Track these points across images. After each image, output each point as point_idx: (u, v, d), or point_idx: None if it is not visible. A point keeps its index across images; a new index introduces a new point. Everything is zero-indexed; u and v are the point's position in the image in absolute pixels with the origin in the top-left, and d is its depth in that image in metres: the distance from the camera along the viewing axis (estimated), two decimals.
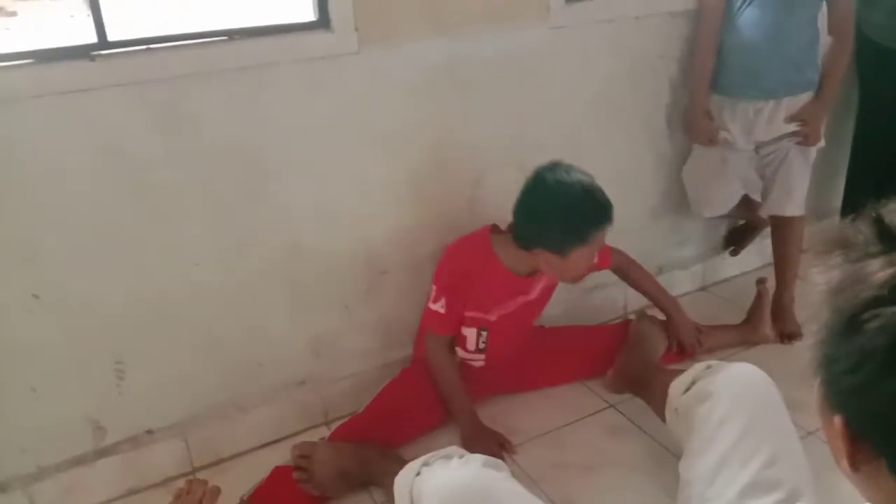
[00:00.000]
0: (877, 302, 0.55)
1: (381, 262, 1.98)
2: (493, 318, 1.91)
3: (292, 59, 1.70)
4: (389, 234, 1.97)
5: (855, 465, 0.60)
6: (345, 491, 1.75)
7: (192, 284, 1.75)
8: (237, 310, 1.83)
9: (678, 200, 2.42)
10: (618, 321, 2.36)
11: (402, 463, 1.52)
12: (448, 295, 1.85)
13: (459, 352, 1.97)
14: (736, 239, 2.63)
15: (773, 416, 1.45)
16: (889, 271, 0.55)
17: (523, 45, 1.98)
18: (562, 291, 2.07)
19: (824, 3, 2.09)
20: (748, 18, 2.05)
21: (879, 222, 0.59)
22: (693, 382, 1.60)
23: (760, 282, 2.30)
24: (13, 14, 1.89)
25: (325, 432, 1.94)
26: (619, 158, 2.28)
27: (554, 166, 1.76)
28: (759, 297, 2.28)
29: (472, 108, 1.96)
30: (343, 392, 2.03)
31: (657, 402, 1.76)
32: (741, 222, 2.60)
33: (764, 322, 2.27)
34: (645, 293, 2.18)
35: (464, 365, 1.98)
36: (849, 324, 0.57)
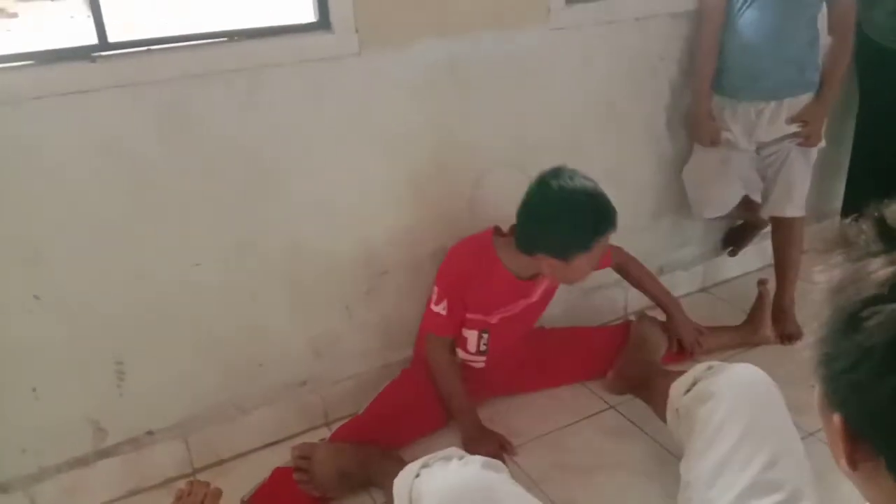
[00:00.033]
0: (877, 300, 0.55)
1: (381, 263, 1.98)
2: (494, 320, 1.91)
3: (293, 60, 1.70)
4: (390, 235, 1.97)
5: (854, 463, 0.60)
6: (345, 492, 1.75)
7: (193, 285, 1.75)
8: (237, 310, 1.83)
9: (678, 201, 2.42)
10: (618, 322, 2.36)
11: (403, 464, 1.52)
12: (450, 297, 1.85)
13: (460, 353, 1.97)
14: (734, 240, 2.63)
15: (775, 417, 1.45)
16: (889, 270, 0.56)
17: (523, 47, 1.98)
18: (562, 291, 2.07)
19: (824, 4, 2.09)
20: (749, 19, 2.05)
21: (881, 222, 0.59)
22: (694, 383, 1.60)
23: (761, 283, 2.30)
24: (14, 15, 1.89)
25: (325, 433, 1.94)
26: (619, 159, 2.28)
27: (558, 171, 1.75)
28: (760, 298, 2.28)
29: (472, 108, 1.97)
30: (343, 393, 2.03)
31: (658, 403, 1.76)
32: (739, 223, 2.60)
33: (764, 323, 2.27)
34: (645, 291, 2.18)
35: (464, 366, 1.98)
36: (849, 322, 0.57)
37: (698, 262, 2.63)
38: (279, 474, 1.75)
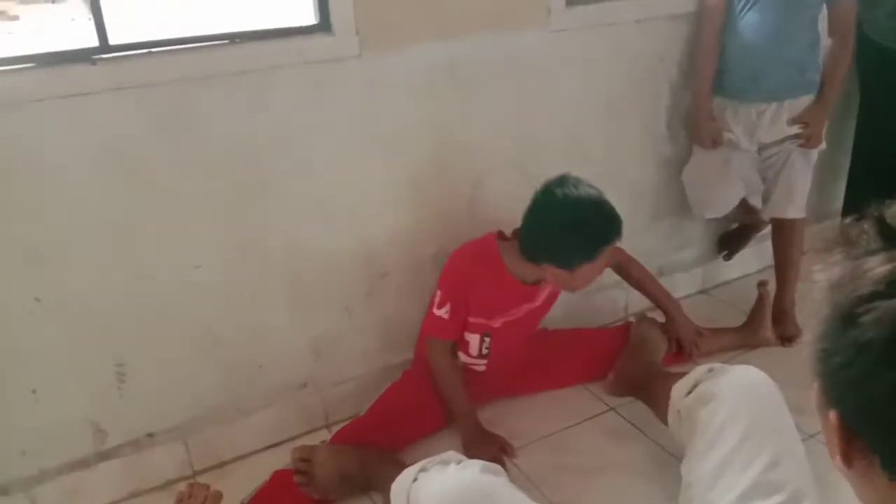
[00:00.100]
0: (874, 297, 0.56)
1: (381, 264, 1.99)
2: (497, 324, 1.90)
3: (293, 62, 1.70)
4: (390, 236, 1.97)
5: (849, 461, 0.61)
6: (345, 494, 1.74)
7: (193, 286, 1.75)
8: (238, 312, 1.83)
9: (678, 203, 2.42)
10: (619, 323, 2.36)
11: (403, 466, 1.52)
12: (453, 301, 1.84)
13: (461, 356, 1.96)
14: (729, 244, 2.63)
15: (776, 418, 1.45)
16: (887, 267, 0.56)
17: (524, 48, 1.98)
18: (563, 293, 2.07)
19: (824, 6, 2.09)
20: (749, 21, 2.05)
21: (881, 221, 0.60)
22: (695, 385, 1.60)
23: (761, 284, 2.29)
24: (15, 18, 1.89)
25: (325, 435, 1.94)
26: (619, 160, 2.28)
27: (562, 180, 1.75)
28: (760, 299, 2.28)
29: (472, 110, 1.97)
30: (344, 395, 2.03)
31: (659, 404, 1.76)
32: (735, 226, 2.60)
33: (765, 325, 2.27)
34: (644, 292, 2.18)
35: (465, 369, 1.97)
36: (846, 318, 0.57)
37: (698, 263, 2.63)
38: (279, 477, 1.75)
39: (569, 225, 1.72)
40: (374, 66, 1.79)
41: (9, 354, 1.61)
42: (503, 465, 1.77)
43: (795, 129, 2.14)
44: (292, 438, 1.97)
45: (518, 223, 1.84)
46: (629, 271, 2.14)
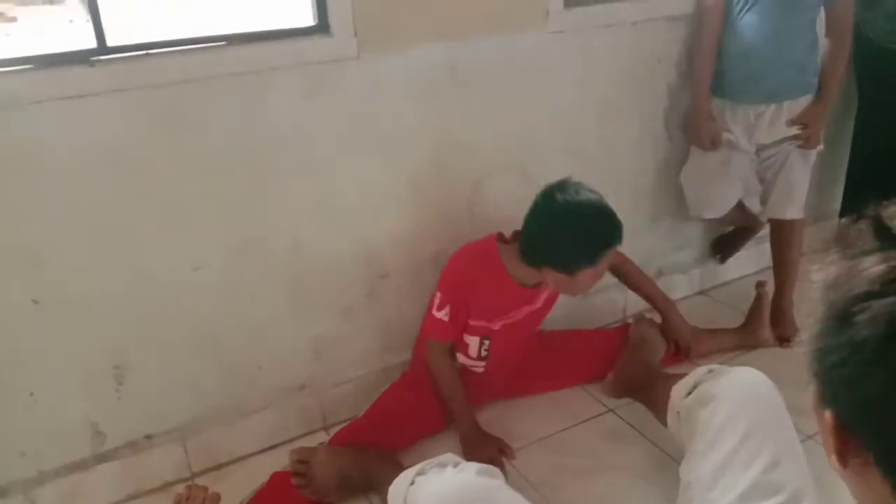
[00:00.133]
0: (868, 296, 0.56)
1: (381, 266, 1.99)
2: (496, 326, 1.90)
3: (292, 63, 1.70)
4: (390, 237, 1.97)
5: (844, 460, 0.61)
6: (344, 496, 1.74)
7: (192, 288, 1.75)
8: (237, 313, 1.83)
9: (676, 204, 2.42)
10: (617, 324, 2.36)
11: (401, 468, 1.52)
12: (453, 303, 1.84)
13: (460, 358, 1.96)
14: (723, 247, 2.63)
15: (776, 419, 1.45)
16: (882, 266, 0.57)
17: (522, 50, 1.98)
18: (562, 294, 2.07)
19: (822, 7, 2.10)
20: (748, 23, 2.05)
21: (877, 221, 0.60)
22: (695, 386, 1.60)
23: (760, 285, 2.29)
24: (13, 19, 1.90)
25: (324, 437, 1.94)
26: (617, 161, 2.28)
27: (563, 185, 1.75)
28: (759, 300, 2.28)
29: (471, 111, 1.97)
30: (342, 396, 2.03)
31: (658, 406, 1.76)
32: (730, 229, 2.60)
33: (763, 325, 2.27)
34: (640, 292, 2.18)
35: (463, 370, 1.97)
36: (841, 317, 0.58)
37: (697, 264, 2.64)
38: (278, 479, 1.75)
39: (570, 230, 1.72)
40: (373, 67, 1.79)
41: (7, 356, 1.61)
42: (502, 466, 1.77)
43: (794, 130, 2.14)
44: (291, 440, 1.97)
45: (518, 224, 1.84)
46: (625, 272, 2.15)
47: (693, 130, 2.24)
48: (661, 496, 1.69)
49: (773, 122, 2.14)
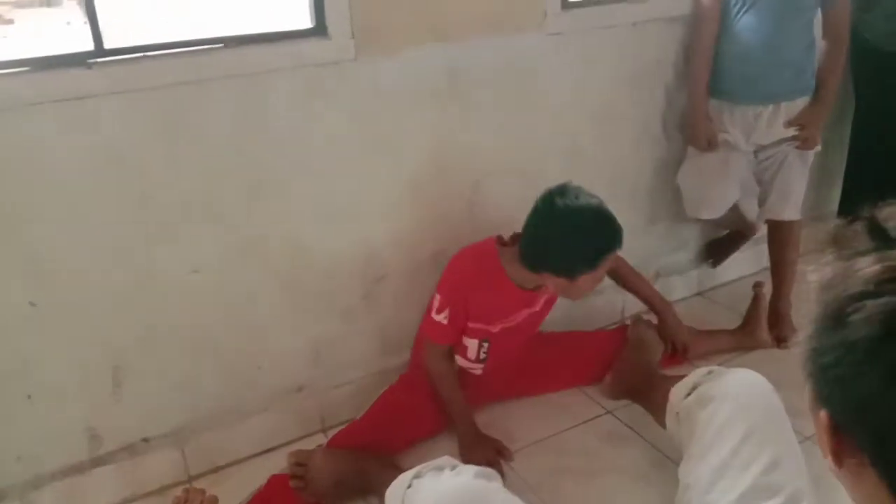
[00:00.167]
0: (862, 296, 0.56)
1: (379, 268, 1.98)
2: (496, 329, 1.90)
3: (290, 66, 1.70)
4: (388, 239, 1.97)
5: (839, 460, 0.61)
6: (342, 499, 1.74)
7: (190, 290, 1.75)
8: (235, 316, 1.83)
9: (674, 205, 2.42)
10: (615, 325, 2.36)
11: (399, 471, 1.52)
12: (452, 306, 1.84)
13: (459, 360, 1.96)
14: (715, 252, 2.62)
15: (774, 421, 1.45)
16: (877, 267, 0.57)
17: (520, 51, 1.99)
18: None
19: (819, 8, 2.10)
20: (746, 24, 2.06)
21: (872, 222, 0.61)
22: (694, 387, 1.60)
23: (757, 286, 2.30)
24: (10, 22, 1.89)
25: (322, 439, 1.94)
26: (615, 163, 2.29)
27: (563, 190, 1.75)
28: (756, 301, 2.28)
29: (469, 112, 1.97)
30: (340, 399, 2.02)
31: (656, 407, 1.76)
32: (723, 233, 2.60)
33: (760, 326, 2.27)
34: (635, 293, 2.17)
35: (462, 372, 1.97)
36: (835, 317, 0.58)
37: (694, 265, 2.64)
38: (275, 481, 1.74)
39: (569, 235, 1.72)
40: (371, 69, 1.79)
41: (5, 359, 1.60)
42: (500, 468, 1.77)
43: (792, 131, 2.14)
44: (289, 442, 1.96)
45: (517, 224, 1.84)
46: (621, 274, 2.14)
47: (690, 131, 2.24)
48: (659, 498, 1.69)
49: (770, 123, 2.14)
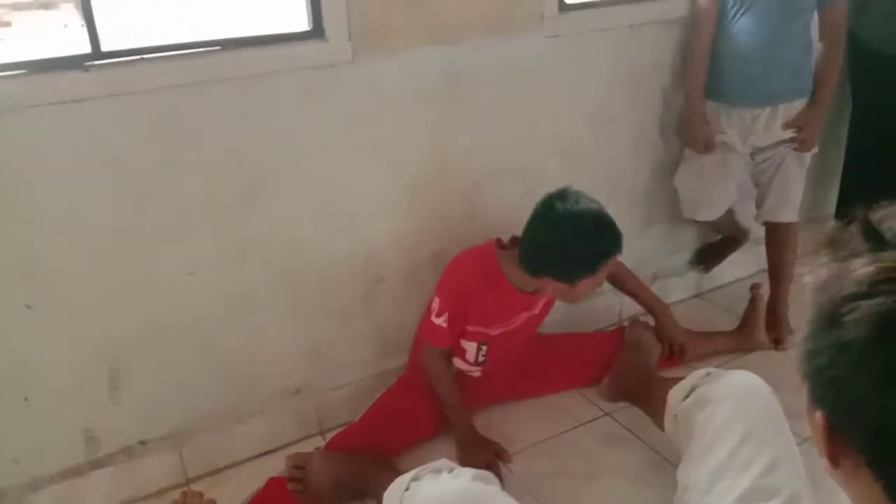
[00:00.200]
0: (856, 297, 0.57)
1: (377, 270, 1.98)
2: (495, 332, 1.90)
3: (287, 68, 1.70)
4: (386, 241, 1.97)
5: (835, 461, 0.62)
6: (340, 501, 1.74)
7: (188, 292, 1.75)
8: (232, 319, 1.82)
9: (672, 207, 2.42)
10: (613, 327, 2.36)
11: (398, 473, 1.52)
12: (452, 310, 1.83)
13: (457, 362, 1.96)
14: (707, 257, 2.62)
15: (773, 423, 1.45)
16: (871, 268, 0.57)
17: (518, 54, 1.99)
18: None
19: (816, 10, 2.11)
20: (744, 26, 2.06)
21: (866, 223, 0.61)
22: (692, 389, 1.60)
23: (754, 288, 2.30)
24: (7, 24, 1.89)
25: (320, 442, 1.94)
26: (613, 165, 2.29)
27: (563, 194, 1.75)
28: (753, 302, 2.29)
29: (467, 114, 1.97)
30: (338, 401, 2.02)
31: (654, 409, 1.76)
32: (716, 238, 2.60)
33: (758, 328, 2.27)
34: (631, 294, 2.18)
35: (460, 374, 1.97)
36: (829, 318, 0.59)
37: (692, 268, 2.64)
38: (274, 484, 1.74)
39: (570, 240, 1.72)
40: (368, 71, 1.79)
41: (1, 361, 1.60)
42: (498, 470, 1.77)
43: (790, 133, 2.15)
44: (287, 445, 1.96)
45: (515, 226, 1.84)
46: (618, 276, 2.14)
47: (687, 133, 2.25)
48: (658, 500, 1.69)
49: (768, 125, 2.14)
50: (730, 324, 2.33)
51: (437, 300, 1.86)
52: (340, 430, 1.90)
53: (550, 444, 1.95)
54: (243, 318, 1.84)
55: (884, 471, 0.58)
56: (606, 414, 2.05)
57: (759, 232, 2.40)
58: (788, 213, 2.24)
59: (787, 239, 2.28)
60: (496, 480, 1.46)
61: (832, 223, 0.64)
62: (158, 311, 1.73)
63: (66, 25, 1.74)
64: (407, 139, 1.91)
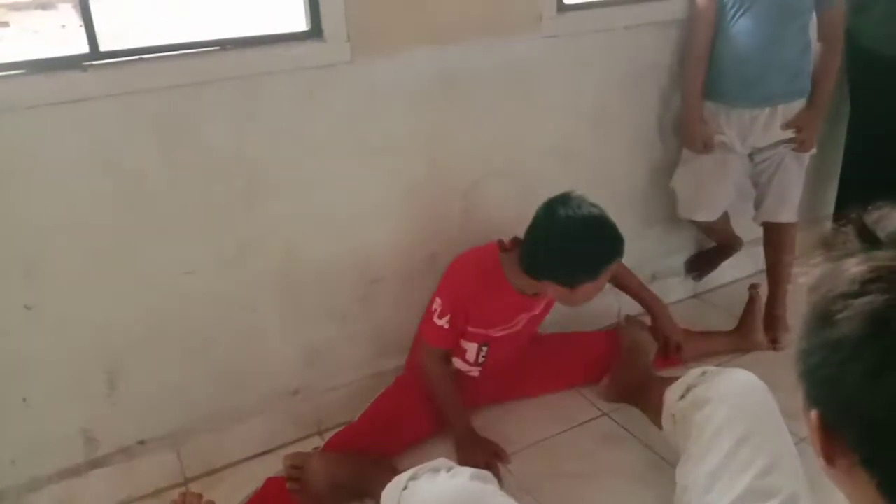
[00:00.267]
0: (848, 296, 0.57)
1: (374, 271, 1.98)
2: (496, 334, 1.90)
3: (285, 68, 1.70)
4: (383, 242, 1.97)
5: (831, 460, 0.62)
6: (338, 502, 1.74)
7: (186, 294, 1.75)
8: (231, 319, 1.82)
9: (670, 208, 2.42)
10: (611, 327, 2.36)
11: (396, 473, 1.51)
12: (454, 311, 1.83)
13: (456, 362, 1.96)
14: (700, 264, 2.62)
15: (770, 423, 1.46)
16: (863, 267, 0.58)
17: (515, 54, 1.99)
18: None
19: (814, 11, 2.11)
20: (742, 27, 2.06)
21: (860, 225, 0.62)
22: (688, 389, 1.61)
23: (752, 288, 2.30)
24: (6, 24, 1.89)
25: (318, 442, 1.94)
26: (611, 166, 2.29)
27: (566, 199, 1.75)
28: (751, 302, 2.29)
29: (465, 115, 1.97)
30: (336, 401, 2.02)
31: (652, 409, 1.76)
32: (710, 246, 2.60)
33: (756, 328, 2.28)
34: (629, 293, 2.17)
35: (458, 374, 1.97)
36: (822, 318, 0.59)
37: (684, 275, 2.63)
38: (272, 484, 1.74)
39: (571, 245, 1.72)
40: (366, 72, 1.79)
41: (0, 361, 1.60)
42: (496, 470, 1.77)
43: (789, 134, 2.15)
44: (285, 445, 1.95)
45: (512, 228, 1.84)
46: (617, 275, 2.14)
47: (685, 133, 2.25)
48: (656, 500, 1.69)
49: (767, 125, 2.14)
50: (728, 324, 2.34)
51: (438, 301, 1.86)
52: (339, 430, 1.90)
53: (549, 443, 1.95)
54: (242, 318, 1.84)
55: (877, 468, 0.58)
56: (605, 414, 2.05)
57: (757, 232, 2.40)
58: (787, 214, 2.24)
59: (785, 239, 2.28)
60: (494, 480, 1.46)
61: (829, 224, 0.64)
62: (157, 312, 1.73)
63: (64, 26, 1.74)
64: (405, 139, 1.91)
